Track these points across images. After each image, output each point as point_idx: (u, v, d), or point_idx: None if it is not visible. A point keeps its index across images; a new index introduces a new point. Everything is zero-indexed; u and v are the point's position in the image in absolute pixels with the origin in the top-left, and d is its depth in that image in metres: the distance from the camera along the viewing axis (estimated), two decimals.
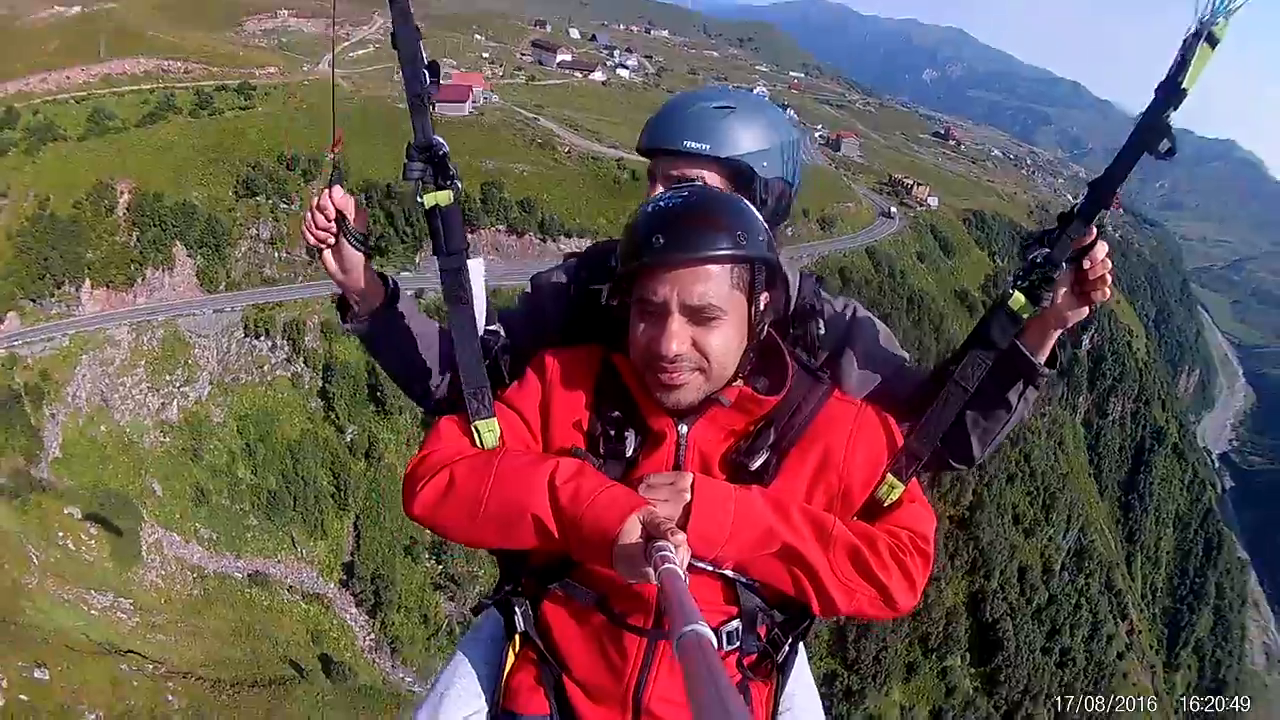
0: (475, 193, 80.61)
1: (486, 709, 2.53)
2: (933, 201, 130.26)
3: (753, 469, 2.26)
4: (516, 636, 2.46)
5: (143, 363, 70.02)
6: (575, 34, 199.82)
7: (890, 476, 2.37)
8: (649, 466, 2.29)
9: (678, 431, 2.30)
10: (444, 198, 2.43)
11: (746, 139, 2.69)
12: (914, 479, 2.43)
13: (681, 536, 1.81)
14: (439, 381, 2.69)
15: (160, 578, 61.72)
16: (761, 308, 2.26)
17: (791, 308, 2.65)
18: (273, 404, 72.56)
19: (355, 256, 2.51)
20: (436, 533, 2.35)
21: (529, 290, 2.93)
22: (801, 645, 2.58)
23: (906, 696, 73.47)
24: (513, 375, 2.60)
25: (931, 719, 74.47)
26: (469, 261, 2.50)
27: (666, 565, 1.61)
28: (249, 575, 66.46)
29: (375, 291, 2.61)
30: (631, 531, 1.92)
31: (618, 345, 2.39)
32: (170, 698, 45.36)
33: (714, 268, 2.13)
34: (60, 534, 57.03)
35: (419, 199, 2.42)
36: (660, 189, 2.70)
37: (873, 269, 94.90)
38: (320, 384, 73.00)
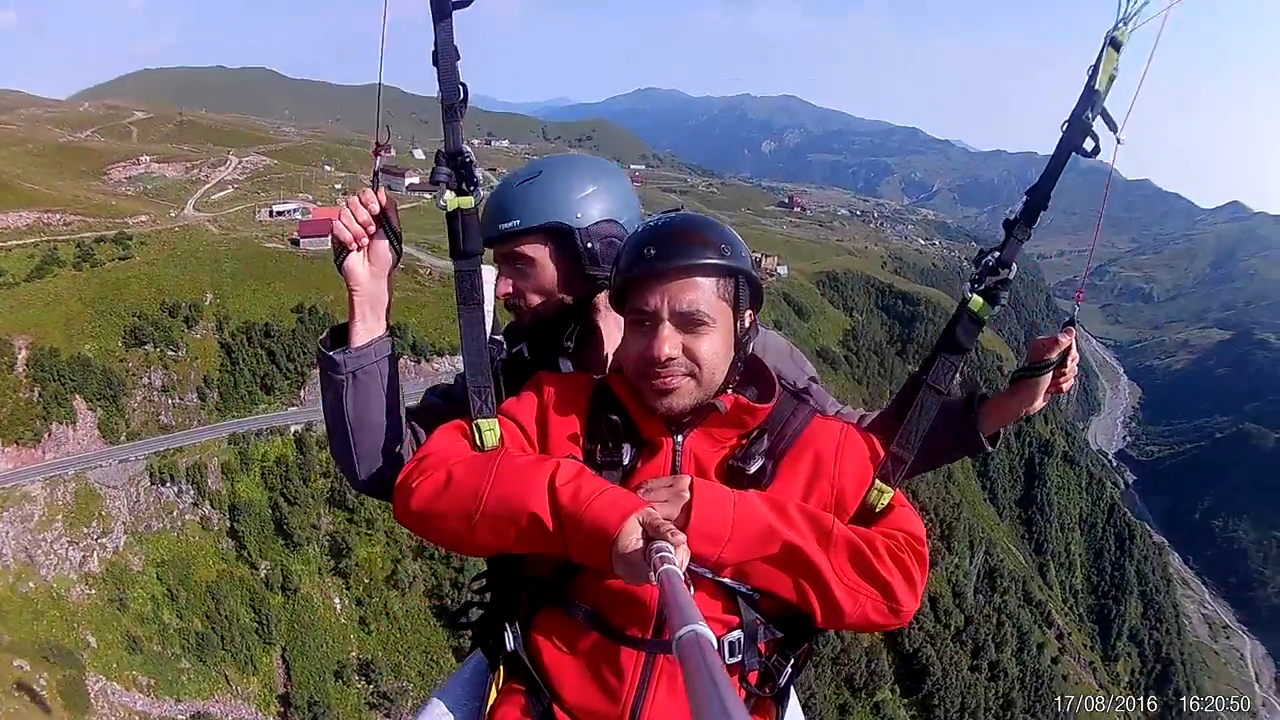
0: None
1: None
2: (782, 270, 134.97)
3: (750, 473, 2.32)
4: (501, 668, 2.47)
5: (59, 517, 70.14)
6: (420, 154, 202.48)
7: (879, 482, 2.44)
8: (646, 475, 2.34)
9: (674, 441, 2.37)
10: (466, 202, 2.52)
11: (554, 199, 2.82)
12: (900, 488, 2.52)
13: (681, 537, 1.86)
14: (391, 452, 2.64)
15: None
16: (746, 324, 2.40)
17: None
18: (187, 548, 73.14)
19: (387, 259, 2.58)
20: (429, 536, 2.34)
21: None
22: (794, 691, 2.64)
23: None
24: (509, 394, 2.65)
25: None
26: (483, 267, 2.61)
27: (666, 566, 1.61)
28: (191, 717, 66.87)
29: (386, 315, 2.66)
30: (631, 532, 1.95)
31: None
32: None
33: (701, 278, 2.26)
34: (14, 687, 57.54)
35: (441, 202, 2.51)
36: (502, 278, 2.90)
37: None
38: (229, 524, 73.89)
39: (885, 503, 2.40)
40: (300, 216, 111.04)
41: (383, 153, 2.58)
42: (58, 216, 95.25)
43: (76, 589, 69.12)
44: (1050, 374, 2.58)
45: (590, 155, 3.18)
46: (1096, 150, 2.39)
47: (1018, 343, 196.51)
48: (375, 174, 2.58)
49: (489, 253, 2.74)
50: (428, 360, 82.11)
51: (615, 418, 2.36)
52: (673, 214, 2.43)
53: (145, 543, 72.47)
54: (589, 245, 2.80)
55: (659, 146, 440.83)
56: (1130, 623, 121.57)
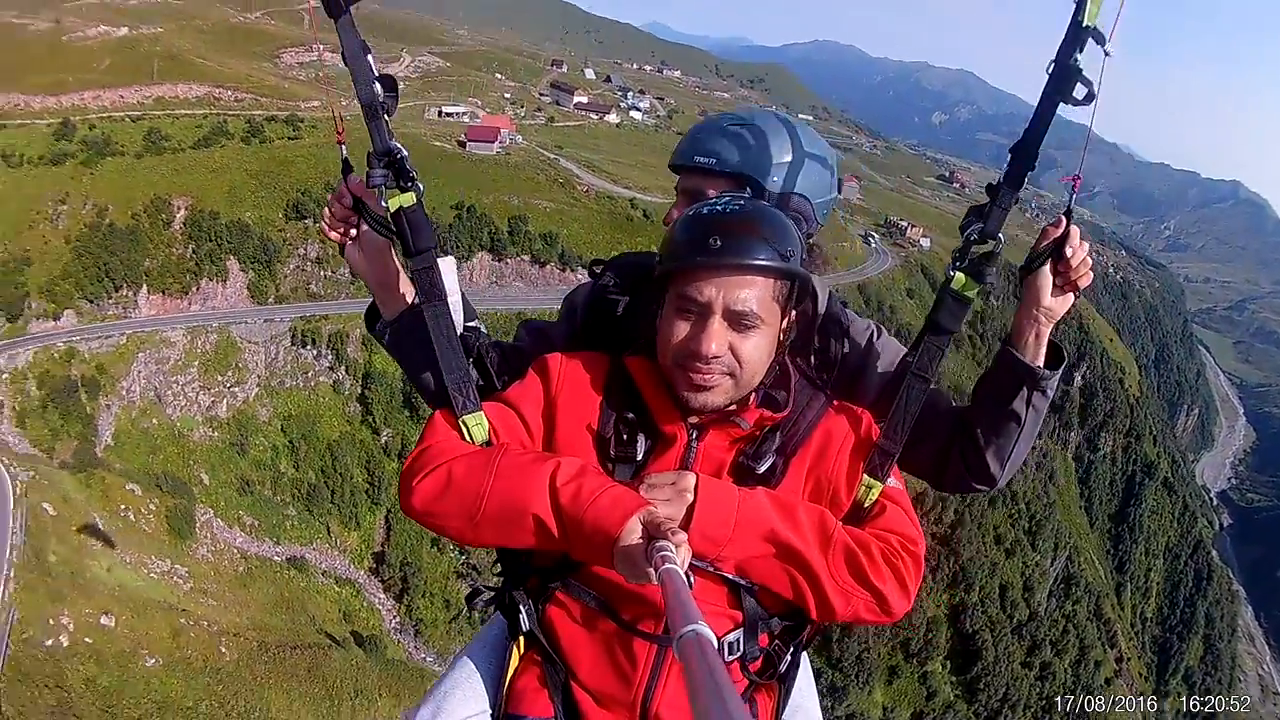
0: (504, 225, 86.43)
1: (490, 712, 2.54)
2: (925, 242, 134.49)
3: (760, 473, 2.29)
4: (521, 638, 2.45)
5: (196, 363, 74.91)
6: (590, 74, 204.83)
7: (866, 476, 2.39)
8: (659, 470, 2.29)
9: (688, 436, 2.33)
10: (407, 199, 2.45)
11: (755, 154, 2.76)
12: (899, 487, 2.46)
13: (683, 536, 1.83)
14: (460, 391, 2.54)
15: (210, 553, 65.56)
16: (790, 322, 2.35)
17: (818, 322, 2.63)
18: (315, 407, 77.87)
19: (378, 243, 2.55)
20: (434, 530, 2.34)
21: (529, 332, 2.99)
22: (805, 658, 2.69)
23: (889, 698, 77.01)
24: (513, 374, 2.62)
25: None
26: (439, 260, 2.53)
27: (667, 565, 1.61)
28: (287, 559, 70.81)
29: (405, 287, 2.65)
30: (633, 532, 1.93)
31: (624, 352, 2.48)
32: (223, 650, 48.92)
33: (760, 277, 2.19)
34: (123, 506, 60.71)
35: (383, 204, 2.44)
36: (680, 203, 2.86)
37: (863, 303, 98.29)
38: (359, 390, 78.50)
39: (873, 498, 2.39)
40: (469, 120, 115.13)
41: (345, 140, 2.60)
42: (229, 93, 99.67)
43: (200, 430, 74.21)
44: (1047, 267, 2.49)
45: (808, 124, 3.08)
46: (1090, 98, 2.30)
47: (1148, 360, 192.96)
48: (343, 161, 2.57)
49: (441, 245, 2.63)
50: (573, 270, 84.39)
51: (632, 415, 2.38)
52: (741, 200, 2.35)
53: (276, 396, 77.45)
54: None
55: (830, 100, 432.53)
56: (1188, 662, 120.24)
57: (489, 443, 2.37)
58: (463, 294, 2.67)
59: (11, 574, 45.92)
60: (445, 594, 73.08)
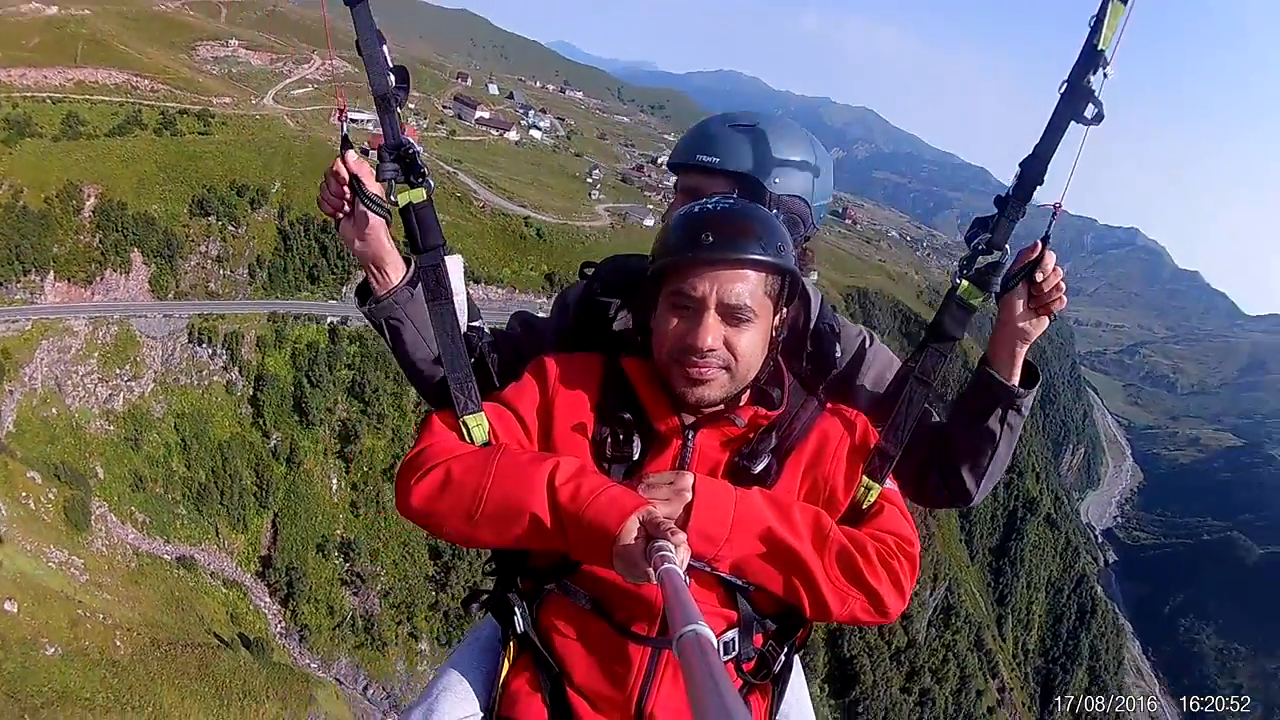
0: (400, 237, 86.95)
1: (482, 714, 2.50)
2: (813, 275, 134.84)
3: (755, 472, 2.31)
4: (513, 641, 2.45)
5: (95, 354, 74.53)
6: (494, 90, 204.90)
7: (865, 478, 2.42)
8: (655, 470, 2.32)
9: (684, 435, 2.35)
10: (417, 195, 2.49)
11: (759, 155, 2.79)
12: (895, 488, 2.49)
13: (682, 536, 1.84)
14: (458, 373, 2.59)
15: (105, 546, 65.34)
16: (783, 319, 2.38)
17: (811, 326, 2.74)
18: (207, 406, 77.82)
19: (373, 222, 2.52)
20: (431, 530, 2.31)
21: (520, 323, 3.01)
22: (797, 660, 2.69)
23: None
24: (510, 374, 2.62)
25: None
26: (446, 258, 2.55)
27: (666, 565, 1.61)
28: (177, 558, 70.65)
29: (395, 265, 2.61)
30: (631, 531, 1.94)
31: (619, 354, 2.50)
32: (118, 643, 48.93)
33: (752, 272, 2.23)
34: (24, 494, 60.62)
35: (392, 199, 2.47)
36: (679, 201, 2.91)
37: None
38: (251, 392, 78.60)
39: (872, 499, 2.41)
40: (373, 130, 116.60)
41: (346, 116, 2.57)
42: (146, 82, 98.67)
43: (96, 423, 73.63)
44: (1023, 288, 2.51)
45: (809, 133, 3.05)
46: (1099, 118, 2.33)
47: (1035, 400, 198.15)
48: (343, 138, 2.53)
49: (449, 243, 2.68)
50: (478, 283, 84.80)
51: (628, 415, 2.37)
52: (731, 199, 2.38)
53: (171, 393, 77.07)
54: (774, 212, 2.64)
55: None
56: (1073, 693, 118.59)
57: (488, 443, 2.40)
58: (468, 294, 2.74)
59: None
60: (330, 600, 73.61)
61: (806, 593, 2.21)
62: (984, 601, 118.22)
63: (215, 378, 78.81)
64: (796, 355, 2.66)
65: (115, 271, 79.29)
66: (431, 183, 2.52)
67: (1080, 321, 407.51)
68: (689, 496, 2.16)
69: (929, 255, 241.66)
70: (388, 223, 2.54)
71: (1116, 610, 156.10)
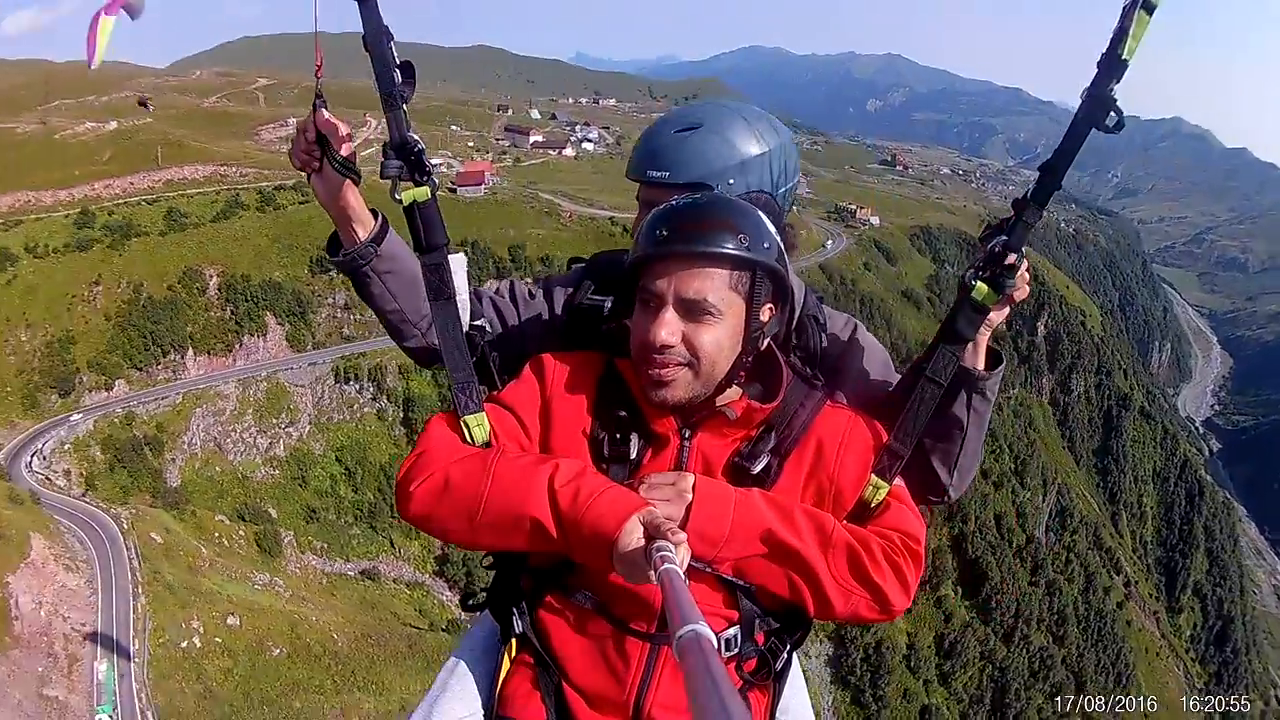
0: (505, 255, 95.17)
1: (482, 714, 2.49)
2: (874, 220, 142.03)
3: (754, 473, 2.26)
4: (513, 641, 2.42)
5: (249, 411, 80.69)
6: (536, 114, 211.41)
7: (875, 477, 2.36)
8: (652, 470, 2.27)
9: (681, 436, 2.30)
10: (421, 194, 2.46)
11: (708, 157, 2.68)
12: (903, 484, 2.43)
13: (682, 536, 1.81)
14: (429, 331, 2.69)
15: (297, 569, 71.96)
16: (763, 318, 2.27)
17: (795, 319, 2.61)
18: (364, 435, 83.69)
19: (338, 181, 2.50)
20: (433, 534, 2.31)
21: (537, 287, 2.98)
22: (797, 658, 2.60)
23: (910, 624, 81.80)
24: (507, 371, 2.63)
25: (936, 643, 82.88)
26: (450, 257, 2.53)
27: (667, 565, 1.57)
28: (360, 572, 76.98)
29: (364, 222, 2.60)
30: (632, 532, 1.91)
31: (615, 354, 2.44)
32: (335, 636, 55.87)
33: (712, 267, 2.14)
34: (216, 534, 67.10)
35: (396, 196, 2.43)
36: (641, 213, 2.77)
37: (826, 280, 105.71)
38: (402, 414, 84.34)
39: (880, 498, 2.37)
40: (445, 170, 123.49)
41: (322, 74, 2.55)
42: (234, 169, 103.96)
43: (261, 470, 79.90)
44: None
45: (758, 110, 2.90)
46: (1120, 126, 2.25)
47: (1112, 305, 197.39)
48: (317, 94, 2.46)
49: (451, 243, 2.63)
50: None
51: (623, 413, 2.34)
52: (698, 196, 2.34)
53: (327, 431, 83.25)
54: None
55: (765, 104, 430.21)
56: (1195, 577, 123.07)
57: (489, 444, 2.36)
58: (470, 293, 2.71)
59: (140, 591, 52.36)
60: None
61: (810, 592, 2.20)
62: (1096, 502, 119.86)
63: (366, 409, 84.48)
64: (783, 347, 2.53)
65: (252, 336, 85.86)
66: (436, 181, 2.53)
67: (1143, 220, 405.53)
68: (689, 497, 2.15)
69: (984, 184, 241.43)
70: (355, 183, 2.56)
71: (1228, 495, 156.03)
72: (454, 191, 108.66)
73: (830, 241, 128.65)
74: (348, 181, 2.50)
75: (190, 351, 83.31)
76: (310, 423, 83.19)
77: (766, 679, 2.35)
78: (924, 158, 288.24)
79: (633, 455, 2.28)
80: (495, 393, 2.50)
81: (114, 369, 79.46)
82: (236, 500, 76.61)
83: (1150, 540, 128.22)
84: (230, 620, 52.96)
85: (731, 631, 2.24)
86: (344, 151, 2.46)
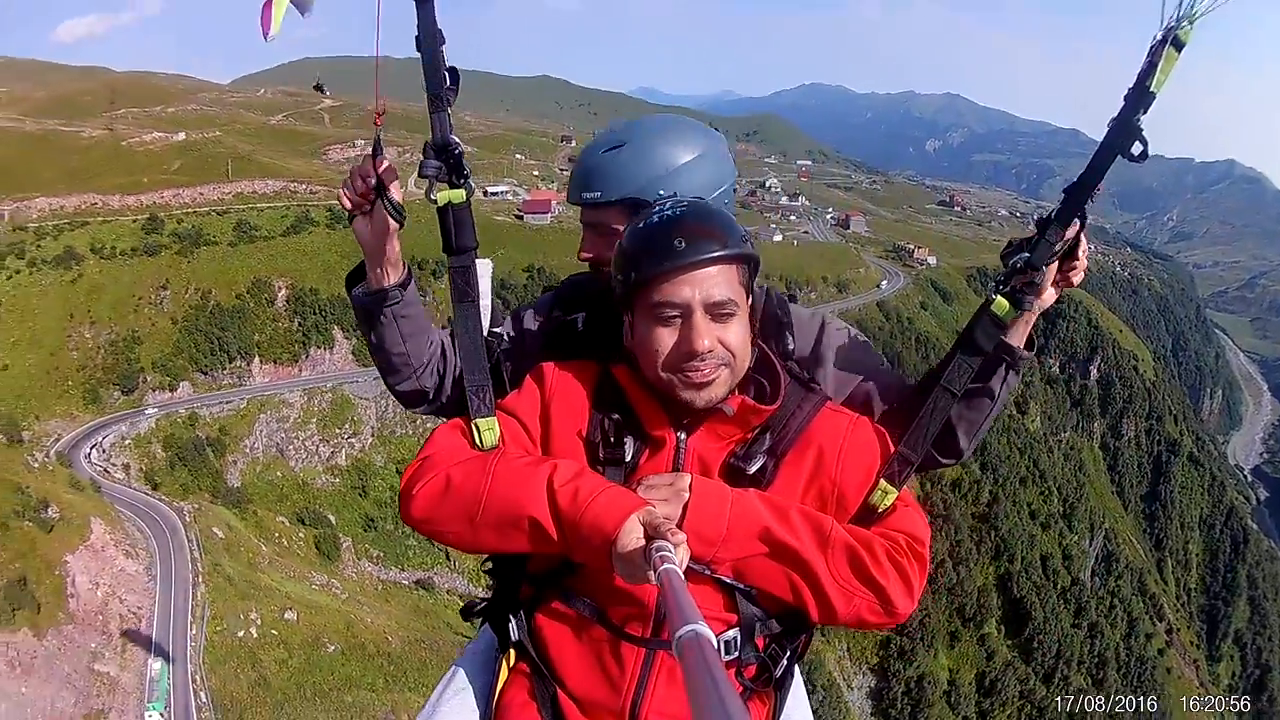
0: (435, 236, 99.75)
1: None
2: (931, 260, 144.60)
3: (750, 473, 2.28)
4: (510, 650, 2.44)
5: (314, 420, 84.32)
6: None
7: (883, 482, 2.37)
8: (649, 472, 2.30)
9: (677, 438, 2.33)
10: (457, 196, 2.47)
11: (637, 172, 2.72)
12: (906, 487, 2.42)
13: (681, 536, 1.83)
14: (423, 375, 2.76)
15: (354, 573, 74.39)
16: (754, 303, 2.35)
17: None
18: None
19: (385, 224, 2.52)
20: (434, 537, 2.32)
21: (510, 320, 2.98)
22: (798, 671, 2.62)
23: (953, 660, 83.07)
24: (511, 383, 2.64)
25: (977, 681, 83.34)
26: (477, 261, 2.56)
27: (666, 565, 1.58)
28: (415, 582, 79.39)
29: (398, 266, 2.62)
30: (631, 532, 1.92)
31: (607, 362, 2.48)
32: (389, 638, 57.97)
33: (726, 266, 2.21)
34: (276, 534, 69.73)
35: (432, 197, 2.43)
36: (587, 238, 2.90)
37: (884, 318, 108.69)
38: None
39: (888, 503, 2.37)
40: (510, 198, 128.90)
41: (383, 123, 2.51)
42: (303, 185, 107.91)
43: (322, 478, 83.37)
44: (1056, 263, 2.48)
45: (687, 120, 2.97)
46: (1144, 155, 2.30)
47: (1165, 350, 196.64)
48: (376, 141, 2.49)
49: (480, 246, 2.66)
50: None
51: (617, 416, 2.37)
52: (682, 204, 2.34)
53: (389, 444, 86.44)
54: None
55: (825, 142, 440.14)
56: (1236, 625, 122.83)
57: (497, 448, 2.40)
58: (492, 299, 2.78)
59: (200, 580, 55.24)
60: None
61: (811, 593, 2.21)
62: (1142, 547, 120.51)
63: (429, 424, 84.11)
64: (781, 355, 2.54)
65: (319, 348, 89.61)
66: (473, 185, 2.56)
67: (1198, 265, 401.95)
68: (686, 496, 2.17)
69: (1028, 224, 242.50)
70: (401, 226, 2.58)
71: (1273, 544, 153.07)
72: (520, 218, 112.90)
73: (885, 281, 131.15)
74: (394, 225, 2.56)
75: (256, 359, 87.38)
76: (373, 435, 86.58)
77: (767, 686, 2.37)
78: (982, 199, 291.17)
79: (628, 457, 2.33)
80: (499, 400, 2.54)
81: (179, 371, 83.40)
82: (296, 505, 79.54)
83: (1194, 588, 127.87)
84: (288, 615, 55.58)
85: (731, 634, 2.26)
86: (396, 196, 2.51)
